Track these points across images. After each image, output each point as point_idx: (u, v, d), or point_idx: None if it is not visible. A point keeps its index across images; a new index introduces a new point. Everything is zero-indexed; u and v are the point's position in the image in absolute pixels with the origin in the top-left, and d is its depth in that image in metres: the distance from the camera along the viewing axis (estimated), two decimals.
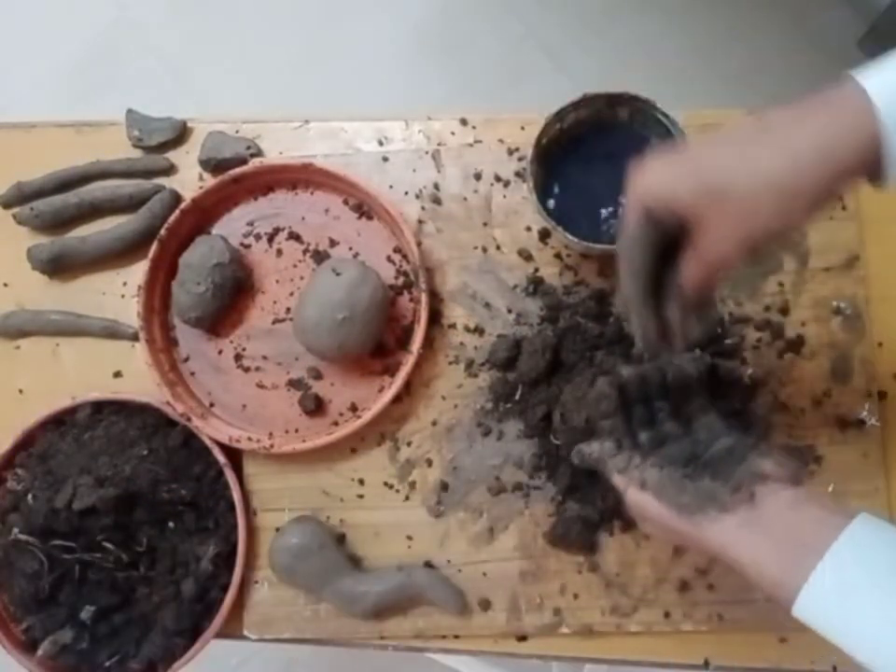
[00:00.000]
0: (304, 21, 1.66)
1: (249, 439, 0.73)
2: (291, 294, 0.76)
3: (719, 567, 0.69)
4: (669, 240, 0.53)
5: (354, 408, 0.74)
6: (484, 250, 0.75)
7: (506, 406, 0.72)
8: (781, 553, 0.49)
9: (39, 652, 0.70)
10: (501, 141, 0.77)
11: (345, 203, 0.77)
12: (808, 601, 0.46)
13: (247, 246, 0.77)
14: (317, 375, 0.75)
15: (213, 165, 0.78)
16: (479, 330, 0.74)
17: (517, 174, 0.76)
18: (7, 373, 0.79)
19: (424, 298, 0.72)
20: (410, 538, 0.72)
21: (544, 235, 0.75)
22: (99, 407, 0.74)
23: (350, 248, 0.76)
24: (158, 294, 0.76)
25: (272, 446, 0.73)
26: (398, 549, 0.72)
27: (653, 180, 0.51)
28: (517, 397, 0.71)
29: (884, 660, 0.45)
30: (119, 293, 0.79)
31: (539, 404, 0.70)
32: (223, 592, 0.70)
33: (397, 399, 0.72)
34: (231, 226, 0.78)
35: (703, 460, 0.54)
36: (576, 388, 0.63)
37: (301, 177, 0.77)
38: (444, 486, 0.72)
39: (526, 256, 0.75)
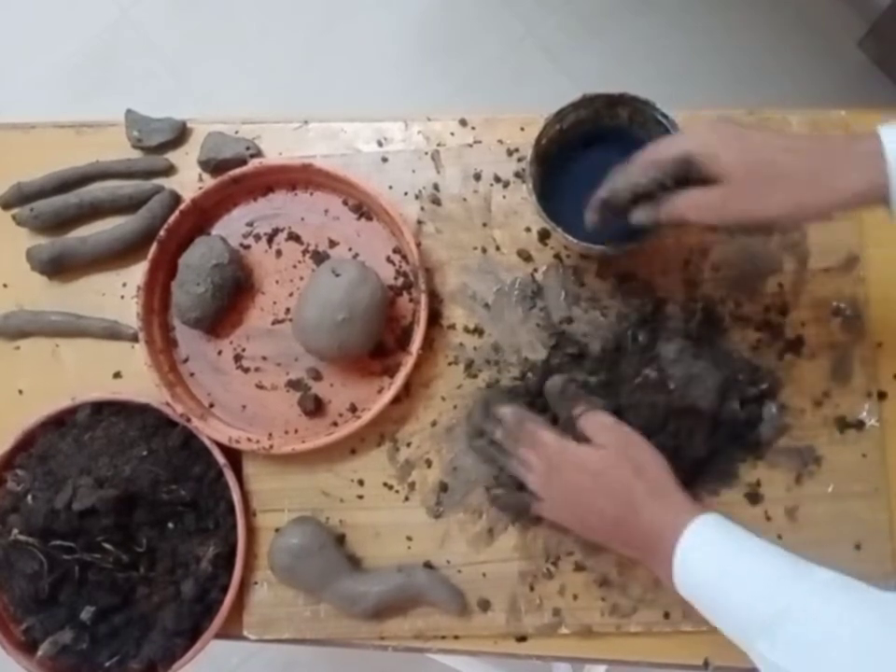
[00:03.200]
0: (304, 21, 1.66)
1: (249, 439, 0.73)
2: (291, 295, 0.76)
3: None
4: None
5: (353, 408, 0.74)
6: (484, 251, 0.75)
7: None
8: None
9: (39, 653, 0.70)
10: (501, 141, 0.77)
11: (345, 203, 0.77)
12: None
13: (247, 247, 0.77)
14: (317, 376, 0.75)
15: (212, 166, 0.78)
16: (478, 331, 0.74)
17: (517, 174, 0.76)
18: (6, 374, 0.79)
19: (423, 298, 0.72)
20: (409, 538, 0.72)
21: (544, 236, 0.75)
22: (99, 408, 0.74)
23: (349, 249, 0.76)
24: (157, 295, 0.76)
25: (271, 447, 0.73)
26: (397, 549, 0.72)
27: (702, 139, 0.59)
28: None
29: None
30: (118, 294, 0.79)
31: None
32: (223, 592, 0.70)
33: (396, 399, 0.72)
34: (231, 226, 0.78)
35: None
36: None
37: (300, 178, 0.77)
38: (444, 487, 0.72)
39: (526, 256, 0.75)
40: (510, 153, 0.76)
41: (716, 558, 0.57)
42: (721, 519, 0.59)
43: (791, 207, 0.56)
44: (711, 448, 0.68)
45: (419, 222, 0.76)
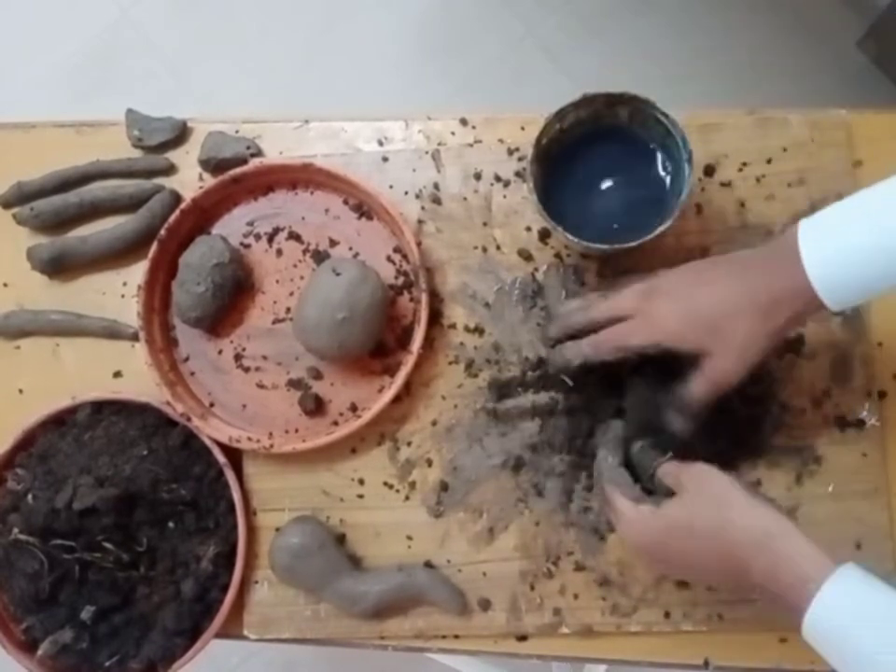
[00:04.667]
0: (304, 20, 1.66)
1: (249, 439, 0.73)
2: (291, 294, 0.76)
3: None
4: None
5: (354, 408, 0.74)
6: (484, 250, 0.75)
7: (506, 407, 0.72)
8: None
9: (39, 652, 0.70)
10: (501, 141, 0.77)
11: (345, 202, 0.77)
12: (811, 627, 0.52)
13: (247, 246, 0.77)
14: (317, 375, 0.75)
15: (213, 165, 0.78)
16: (479, 330, 0.74)
17: (517, 173, 0.76)
18: (7, 373, 0.79)
19: (424, 298, 0.72)
20: (410, 538, 0.72)
21: (544, 235, 0.75)
22: (99, 407, 0.74)
23: (350, 248, 0.76)
24: (158, 294, 0.76)
25: (271, 446, 0.73)
26: (398, 549, 0.72)
27: (665, 328, 0.61)
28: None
29: None
30: (118, 293, 0.79)
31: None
32: (223, 592, 0.70)
33: (397, 398, 0.72)
34: (231, 226, 0.78)
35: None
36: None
37: (300, 177, 0.77)
38: (444, 486, 0.72)
39: (526, 256, 0.75)
40: (510, 152, 0.76)
41: (862, 615, 0.51)
42: (862, 573, 0.52)
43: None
44: (711, 448, 0.68)
45: (419, 221, 0.76)
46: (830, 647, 0.52)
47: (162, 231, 0.75)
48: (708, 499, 0.58)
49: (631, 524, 0.60)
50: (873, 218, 0.55)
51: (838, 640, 0.51)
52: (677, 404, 0.63)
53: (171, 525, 0.71)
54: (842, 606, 0.51)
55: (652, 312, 0.62)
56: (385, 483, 0.73)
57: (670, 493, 0.60)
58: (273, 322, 0.76)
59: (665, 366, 0.64)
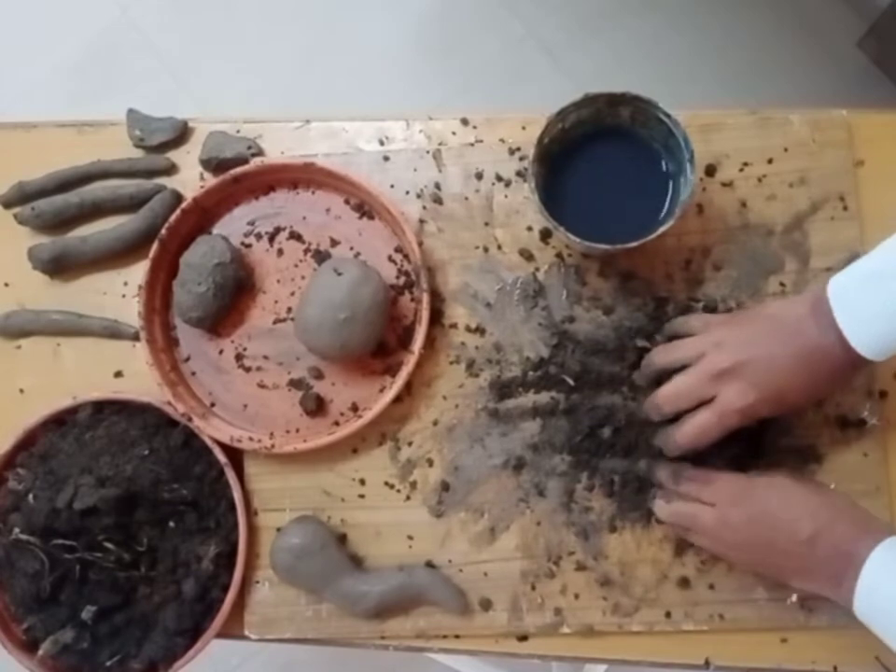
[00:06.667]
0: (305, 20, 1.66)
1: (250, 439, 0.73)
2: (292, 294, 0.76)
3: (719, 567, 0.69)
4: None
5: (355, 408, 0.74)
6: (486, 250, 0.75)
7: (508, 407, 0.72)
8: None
9: (40, 652, 0.70)
10: (502, 141, 0.77)
11: (346, 202, 0.77)
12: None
13: (248, 246, 0.77)
14: (318, 375, 0.75)
15: (214, 165, 0.78)
16: (480, 330, 0.74)
17: (518, 173, 0.76)
18: (7, 373, 0.79)
19: (425, 297, 0.72)
20: (411, 537, 0.72)
21: (545, 235, 0.75)
22: (100, 407, 0.74)
23: (351, 248, 0.76)
24: (159, 294, 0.76)
25: (273, 446, 0.73)
26: (399, 549, 0.72)
27: (742, 412, 0.63)
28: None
29: None
30: (119, 293, 0.79)
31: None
32: (224, 592, 0.70)
33: (398, 398, 0.72)
34: (232, 225, 0.78)
35: None
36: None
37: (302, 177, 0.77)
38: (445, 486, 0.72)
39: (528, 255, 0.75)
40: (511, 152, 0.76)
41: None
42: None
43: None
44: (727, 454, 0.68)
45: (421, 221, 0.76)
46: (883, 621, 0.56)
47: (163, 231, 0.75)
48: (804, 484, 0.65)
49: (731, 482, 0.65)
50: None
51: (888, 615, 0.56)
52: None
53: (172, 524, 0.71)
54: (886, 578, 0.56)
55: (727, 396, 0.63)
56: (387, 483, 0.73)
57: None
58: (275, 322, 0.76)
59: None
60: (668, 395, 0.65)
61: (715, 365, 0.63)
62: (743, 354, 0.62)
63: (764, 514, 0.62)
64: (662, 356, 0.68)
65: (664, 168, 0.71)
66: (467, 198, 0.76)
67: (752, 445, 0.69)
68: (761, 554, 0.64)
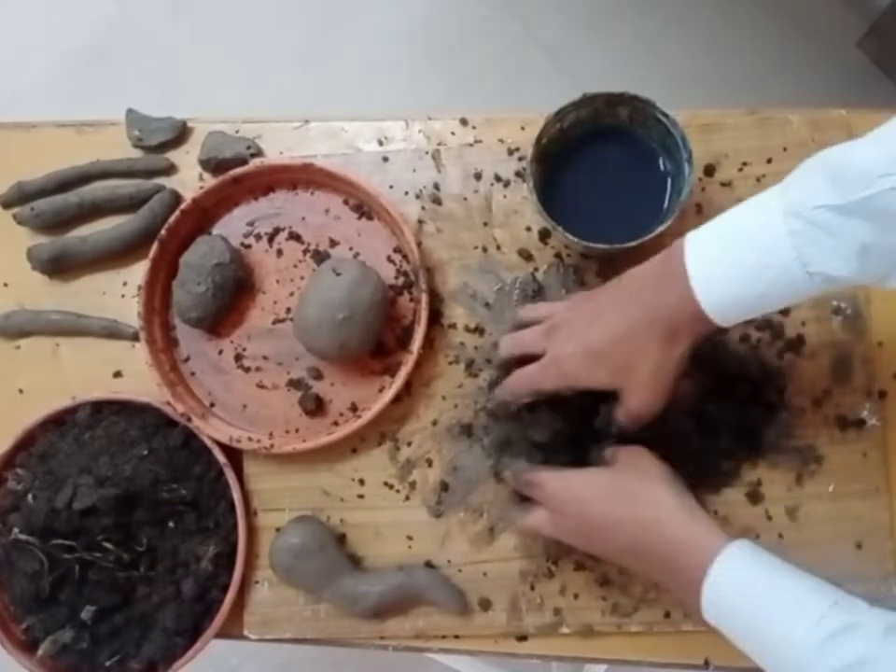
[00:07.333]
0: (304, 20, 1.66)
1: (250, 439, 0.73)
2: (292, 294, 0.76)
3: None
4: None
5: (354, 408, 0.74)
6: (485, 250, 0.75)
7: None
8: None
9: (39, 652, 0.70)
10: (501, 141, 0.77)
11: (346, 202, 0.77)
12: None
13: (248, 246, 0.77)
14: (318, 375, 0.75)
15: (213, 165, 0.78)
16: (479, 330, 0.74)
17: (517, 173, 0.76)
18: (7, 373, 0.79)
19: (424, 298, 0.72)
20: (410, 538, 0.72)
21: (544, 235, 0.75)
22: (99, 407, 0.74)
23: (350, 248, 0.76)
24: (158, 294, 0.76)
25: (272, 446, 0.73)
26: (398, 549, 0.72)
27: (572, 372, 0.61)
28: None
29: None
30: (119, 293, 0.79)
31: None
32: (223, 592, 0.70)
33: (397, 398, 0.72)
34: (232, 226, 0.78)
35: None
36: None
37: (301, 177, 0.77)
38: (445, 486, 0.72)
39: (527, 255, 0.75)
40: (510, 152, 0.76)
41: (753, 588, 0.54)
42: (754, 546, 0.56)
43: None
44: (713, 443, 0.68)
45: (420, 221, 0.76)
46: (728, 621, 0.55)
47: (163, 231, 0.75)
48: (632, 469, 0.62)
49: (555, 484, 0.63)
50: (753, 234, 0.53)
51: (732, 612, 0.55)
52: (605, 431, 0.65)
53: (171, 524, 0.71)
54: (733, 578, 0.54)
55: (557, 353, 0.62)
56: (386, 483, 0.73)
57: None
58: (274, 322, 0.76)
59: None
60: (510, 341, 0.67)
61: (551, 324, 0.63)
62: (579, 322, 0.62)
63: (594, 519, 0.62)
64: (509, 346, 0.67)
65: (662, 168, 0.71)
66: (466, 198, 0.76)
67: (752, 445, 0.69)
68: (596, 548, 0.64)
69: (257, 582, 0.73)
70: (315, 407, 0.74)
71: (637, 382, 0.59)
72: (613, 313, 0.60)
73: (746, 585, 0.54)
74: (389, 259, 0.76)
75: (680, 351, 0.58)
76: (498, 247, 0.75)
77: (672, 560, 0.58)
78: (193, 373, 0.76)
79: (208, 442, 0.72)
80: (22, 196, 0.79)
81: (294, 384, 0.75)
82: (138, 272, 0.76)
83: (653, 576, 0.63)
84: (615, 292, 0.62)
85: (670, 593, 0.63)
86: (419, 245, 0.73)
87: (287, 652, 1.39)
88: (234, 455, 0.74)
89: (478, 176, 0.76)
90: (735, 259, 0.54)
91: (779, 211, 0.52)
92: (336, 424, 0.74)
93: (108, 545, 0.69)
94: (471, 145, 0.77)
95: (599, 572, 0.70)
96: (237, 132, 0.80)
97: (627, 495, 0.61)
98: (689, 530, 0.58)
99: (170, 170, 0.80)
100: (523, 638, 0.71)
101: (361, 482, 0.74)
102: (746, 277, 0.54)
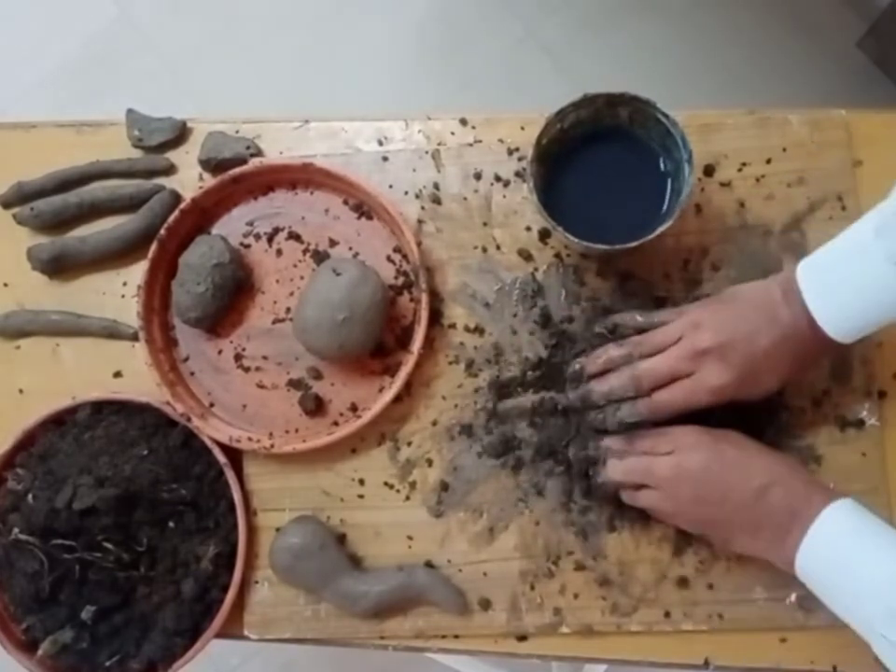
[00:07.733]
0: (304, 20, 1.66)
1: (249, 439, 0.73)
2: (291, 294, 0.76)
3: (718, 566, 0.69)
4: None
5: (354, 408, 0.74)
6: (484, 250, 0.75)
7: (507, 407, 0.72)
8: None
9: (39, 652, 0.70)
10: (501, 141, 0.77)
11: (345, 202, 0.77)
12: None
13: (247, 246, 0.77)
14: (317, 375, 0.75)
15: (213, 165, 0.78)
16: (479, 330, 0.74)
17: (517, 173, 0.76)
18: (7, 373, 0.79)
19: (424, 298, 0.72)
20: (410, 537, 0.72)
21: (544, 235, 0.75)
22: (99, 407, 0.74)
23: (350, 248, 0.76)
24: (158, 294, 0.76)
25: (272, 446, 0.73)
26: (398, 549, 0.72)
27: (720, 391, 0.64)
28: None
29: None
30: (118, 293, 0.79)
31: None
32: (223, 592, 0.70)
33: (397, 398, 0.72)
34: (231, 226, 0.78)
35: None
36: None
37: (300, 177, 0.77)
38: (445, 486, 0.72)
39: (526, 256, 0.75)
40: (510, 152, 0.76)
41: (850, 542, 0.59)
42: (857, 506, 0.61)
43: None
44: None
45: (419, 221, 0.76)
46: (823, 576, 0.59)
47: (162, 231, 0.75)
48: (724, 440, 0.65)
49: (664, 467, 0.64)
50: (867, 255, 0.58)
51: (829, 569, 0.59)
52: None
53: (171, 524, 0.71)
54: (836, 533, 0.59)
55: (704, 374, 0.63)
56: (386, 483, 0.73)
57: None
58: (273, 322, 0.76)
59: None
60: (646, 369, 0.65)
61: (696, 344, 0.63)
62: (724, 335, 0.62)
63: (721, 462, 0.63)
64: (637, 347, 0.67)
65: (662, 168, 0.71)
66: (465, 198, 0.76)
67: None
68: (711, 508, 0.63)
69: (257, 582, 0.73)
70: (315, 407, 0.74)
71: (761, 393, 0.65)
72: (760, 335, 0.62)
73: (851, 533, 0.59)
74: (389, 259, 0.76)
75: (804, 374, 0.68)
76: (498, 247, 0.75)
77: (787, 521, 0.61)
78: (193, 373, 0.76)
79: (208, 442, 0.72)
80: (22, 196, 0.79)
81: (294, 384, 0.75)
82: (138, 272, 0.76)
83: (754, 535, 0.63)
84: (755, 312, 0.64)
85: (761, 553, 0.64)
86: (419, 244, 0.73)
87: (287, 652, 1.39)
88: (234, 455, 0.74)
89: (478, 176, 0.76)
90: (845, 277, 0.59)
91: (880, 255, 0.57)
92: (336, 424, 0.74)
93: (108, 545, 0.69)
94: (471, 145, 0.77)
95: (599, 572, 0.70)
96: (237, 132, 0.80)
97: (737, 465, 0.63)
98: (807, 489, 0.61)
99: (170, 170, 0.80)
100: (523, 638, 0.71)
101: (361, 482, 0.74)
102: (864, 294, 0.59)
